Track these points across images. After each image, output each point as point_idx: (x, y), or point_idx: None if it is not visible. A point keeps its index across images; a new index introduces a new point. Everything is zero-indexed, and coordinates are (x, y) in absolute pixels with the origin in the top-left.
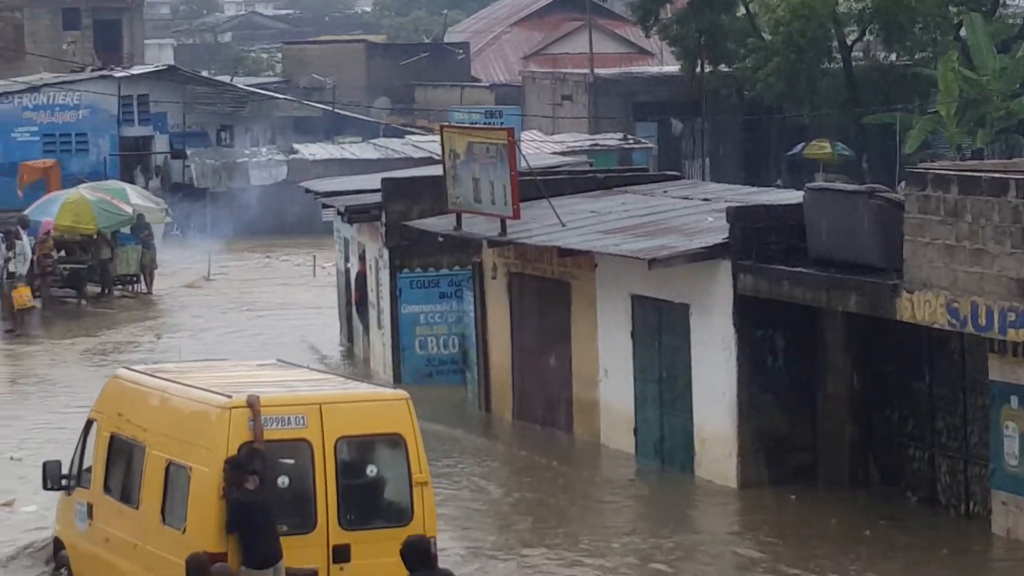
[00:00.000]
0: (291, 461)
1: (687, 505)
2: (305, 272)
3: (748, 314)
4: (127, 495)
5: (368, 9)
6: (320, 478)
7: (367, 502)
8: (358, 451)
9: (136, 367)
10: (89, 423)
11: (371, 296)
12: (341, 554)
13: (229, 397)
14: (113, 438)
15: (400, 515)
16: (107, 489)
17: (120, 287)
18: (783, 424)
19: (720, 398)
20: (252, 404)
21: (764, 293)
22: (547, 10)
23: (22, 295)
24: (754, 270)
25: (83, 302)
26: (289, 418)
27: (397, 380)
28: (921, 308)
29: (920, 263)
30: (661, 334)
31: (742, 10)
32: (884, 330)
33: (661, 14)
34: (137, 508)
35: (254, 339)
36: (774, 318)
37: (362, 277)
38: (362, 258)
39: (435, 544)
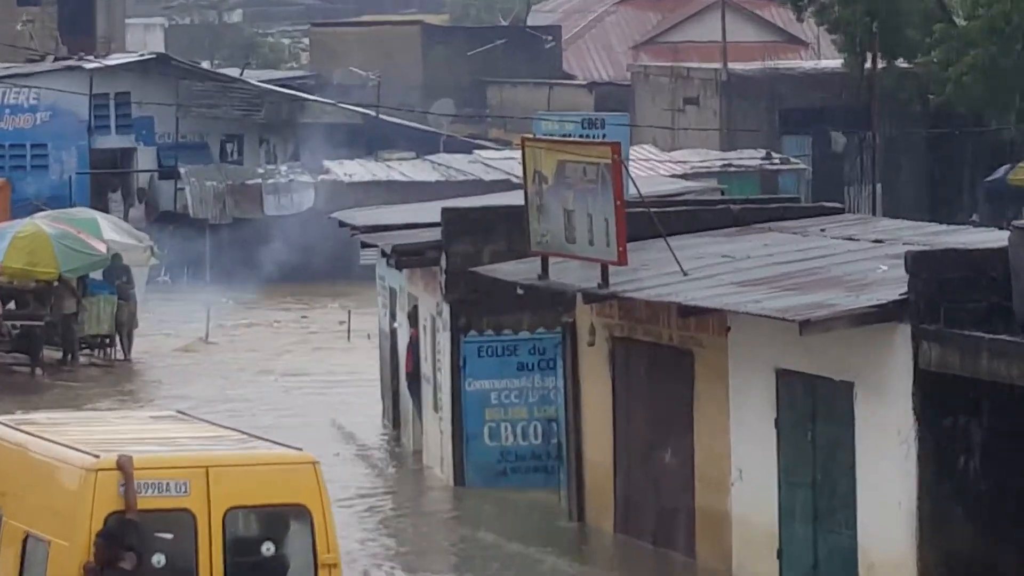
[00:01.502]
0: (170, 536)
1: None
2: (337, 334)
3: (933, 396)
4: None
5: None
6: (205, 557)
7: None
8: (253, 525)
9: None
10: None
11: (424, 367)
12: None
13: (96, 457)
14: None
15: None
16: None
17: (88, 351)
18: (979, 546)
19: (894, 509)
20: (123, 466)
21: (955, 368)
22: None
23: None
24: (942, 337)
25: (38, 371)
26: (168, 483)
27: (459, 481)
28: None
29: None
30: (815, 423)
31: None
32: None
33: None
34: None
35: (266, 423)
36: (969, 402)
37: (414, 341)
38: (412, 316)
39: None
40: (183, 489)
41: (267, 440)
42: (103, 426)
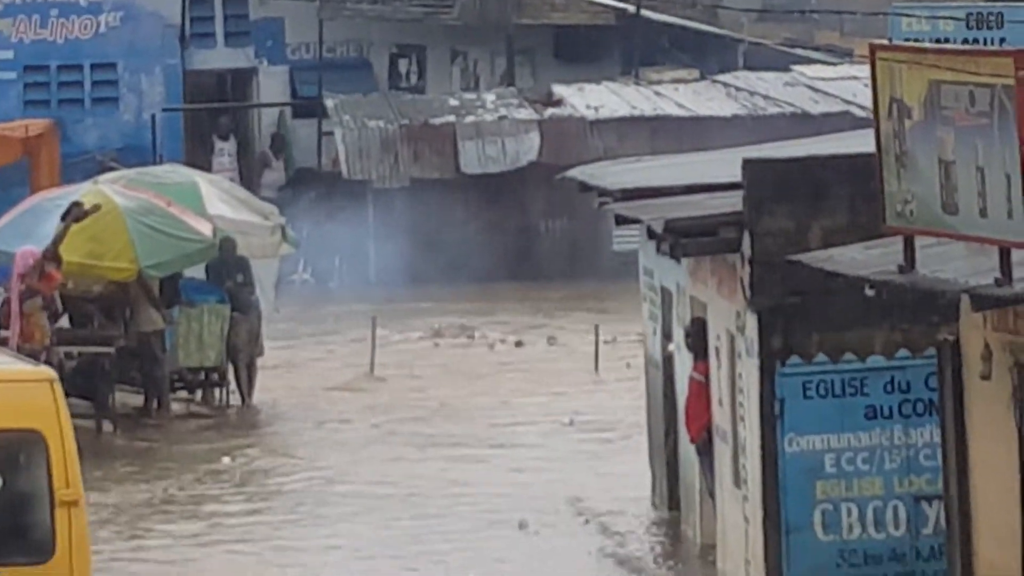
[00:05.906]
0: None
1: None
2: (578, 360)
3: None
4: None
5: None
6: None
7: None
8: None
9: None
10: None
11: (719, 416)
12: None
13: None
14: None
15: (35, 549)
16: None
17: (186, 392)
18: None
19: None
20: None
21: None
22: None
23: None
24: None
25: (106, 426)
26: None
27: None
28: None
29: None
30: None
31: None
32: None
33: None
34: None
35: (470, 503)
36: None
37: (703, 379)
38: (695, 334)
39: None
40: None
41: (4, 356)
42: None
